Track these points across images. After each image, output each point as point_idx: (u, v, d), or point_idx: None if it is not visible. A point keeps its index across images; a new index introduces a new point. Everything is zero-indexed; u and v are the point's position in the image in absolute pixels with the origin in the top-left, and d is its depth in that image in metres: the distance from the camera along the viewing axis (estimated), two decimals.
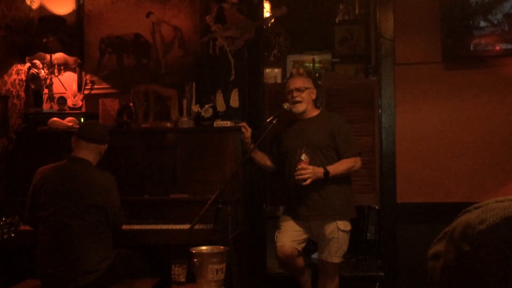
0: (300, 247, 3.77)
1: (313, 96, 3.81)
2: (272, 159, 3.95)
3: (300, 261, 3.82)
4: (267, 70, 8.11)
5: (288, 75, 7.53)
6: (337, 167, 3.62)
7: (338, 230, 3.63)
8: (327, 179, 3.57)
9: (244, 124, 3.89)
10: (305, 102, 3.75)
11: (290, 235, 3.74)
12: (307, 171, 3.49)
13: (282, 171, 3.84)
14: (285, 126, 3.90)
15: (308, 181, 3.50)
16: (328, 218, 3.64)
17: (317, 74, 6.14)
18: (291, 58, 8.45)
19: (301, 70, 3.87)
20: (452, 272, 0.64)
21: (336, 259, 3.67)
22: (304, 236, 3.76)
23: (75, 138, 3.32)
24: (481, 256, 0.61)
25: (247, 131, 3.85)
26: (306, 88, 3.75)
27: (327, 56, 7.84)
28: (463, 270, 0.62)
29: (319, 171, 3.54)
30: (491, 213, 0.64)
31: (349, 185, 3.79)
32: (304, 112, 3.78)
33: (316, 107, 4.01)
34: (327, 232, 3.64)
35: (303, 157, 3.52)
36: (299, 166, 3.50)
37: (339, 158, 3.69)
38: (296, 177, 3.51)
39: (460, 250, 0.63)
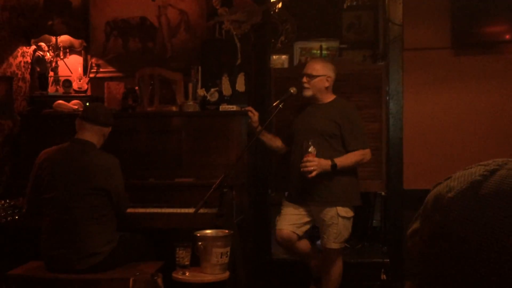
0: (300, 231, 3.73)
1: (327, 84, 3.70)
2: (284, 140, 3.92)
3: (302, 245, 3.79)
4: (274, 57, 8.05)
5: (295, 62, 7.53)
6: (345, 160, 3.57)
7: (338, 216, 3.60)
8: (335, 171, 3.53)
9: (250, 108, 3.87)
10: (312, 89, 3.69)
11: (289, 219, 3.72)
12: (313, 163, 3.46)
13: (289, 154, 3.81)
14: (298, 109, 3.86)
15: (313, 174, 3.46)
16: (328, 204, 3.61)
17: None
18: (298, 45, 8.37)
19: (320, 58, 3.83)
20: (427, 247, 0.62)
21: (335, 245, 3.64)
22: (305, 219, 3.72)
23: (79, 120, 3.30)
24: (451, 224, 0.59)
25: (254, 115, 3.82)
26: (317, 76, 3.67)
27: (335, 43, 7.76)
28: (436, 242, 0.61)
29: (326, 163, 3.49)
30: (458, 180, 0.63)
31: (354, 172, 3.75)
32: (314, 97, 3.73)
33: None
34: (327, 218, 3.62)
35: (311, 149, 3.47)
36: (305, 158, 3.47)
37: (344, 149, 3.64)
38: (301, 169, 3.48)
39: (432, 222, 0.62)
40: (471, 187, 0.60)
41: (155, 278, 1.29)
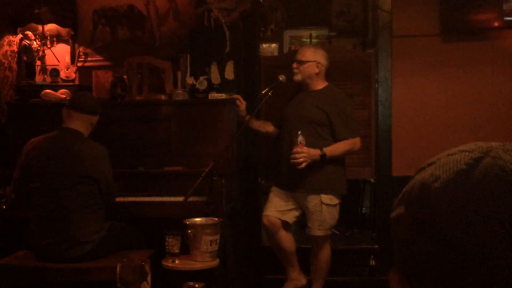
0: (285, 217, 3.71)
1: (316, 70, 3.67)
2: (275, 124, 3.91)
3: (285, 238, 3.74)
4: (264, 45, 8.02)
5: (285, 51, 7.51)
6: (335, 149, 3.55)
7: (322, 203, 3.60)
8: (324, 161, 3.52)
9: (238, 96, 3.86)
10: (301, 74, 3.68)
11: (274, 205, 3.72)
12: (302, 154, 3.45)
13: (277, 140, 3.82)
14: (290, 95, 3.85)
15: (303, 165, 3.46)
16: (312, 191, 3.61)
17: None
18: (288, 34, 8.34)
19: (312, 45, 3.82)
20: (414, 236, 0.61)
21: (320, 232, 3.64)
22: (290, 206, 3.72)
23: (66, 108, 3.28)
24: (438, 216, 0.58)
25: (242, 104, 3.81)
26: (306, 61, 3.66)
27: (324, 31, 7.75)
28: (424, 233, 0.60)
29: (315, 153, 3.48)
30: (444, 168, 0.61)
31: (341, 161, 3.72)
32: (305, 84, 3.72)
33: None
34: (311, 205, 3.63)
35: (300, 139, 3.47)
36: (294, 150, 3.47)
37: (333, 138, 3.62)
38: (291, 161, 3.48)
39: (419, 212, 0.61)
40: (457, 177, 0.59)
41: (142, 264, 1.30)
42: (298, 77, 3.69)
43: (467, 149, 0.62)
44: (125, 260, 1.36)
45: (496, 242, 0.55)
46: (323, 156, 3.50)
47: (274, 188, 3.81)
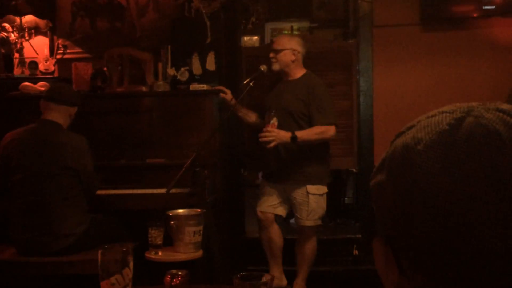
0: (277, 211, 3.74)
1: (293, 57, 3.68)
2: (259, 114, 3.89)
3: (276, 231, 3.77)
4: (245, 38, 8.01)
5: (266, 43, 7.49)
6: (307, 133, 3.53)
7: (308, 193, 3.62)
8: (295, 144, 3.50)
9: (221, 87, 3.83)
10: (279, 63, 3.68)
11: (266, 199, 3.75)
12: (271, 134, 3.44)
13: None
14: (270, 86, 3.84)
15: (272, 144, 3.44)
16: (298, 183, 3.63)
17: None
18: (269, 26, 8.34)
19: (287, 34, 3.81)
20: (397, 203, 0.60)
21: (309, 222, 3.66)
22: (279, 199, 3.73)
23: (44, 100, 3.23)
24: (423, 179, 0.57)
25: (227, 93, 3.78)
26: (282, 50, 3.67)
27: (305, 24, 7.76)
28: (408, 199, 0.58)
29: (285, 135, 3.45)
30: (425, 130, 0.60)
31: (325, 151, 3.74)
32: (284, 72, 3.72)
33: None
34: (298, 196, 3.64)
35: (273, 120, 3.47)
36: (265, 129, 3.46)
37: (311, 126, 3.60)
38: (260, 139, 3.46)
39: (403, 177, 0.59)
40: (440, 138, 0.58)
41: (124, 249, 1.28)
42: (276, 66, 3.69)
43: (447, 110, 0.61)
44: (106, 246, 1.34)
45: (484, 202, 0.54)
46: (293, 138, 3.45)
47: (263, 182, 3.81)
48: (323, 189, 3.68)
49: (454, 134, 0.57)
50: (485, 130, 0.56)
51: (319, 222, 3.74)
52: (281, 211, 3.77)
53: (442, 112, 0.61)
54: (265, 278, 1.18)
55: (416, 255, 0.58)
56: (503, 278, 0.54)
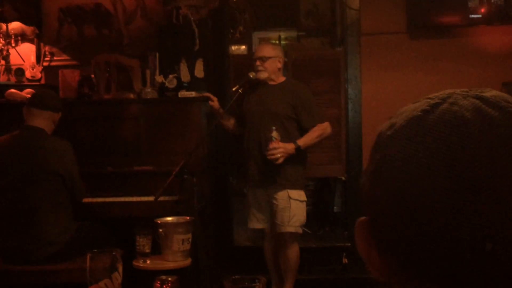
0: (270, 224, 3.73)
1: (279, 65, 3.72)
2: (236, 122, 3.87)
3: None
4: (233, 47, 8.01)
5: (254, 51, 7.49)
6: (307, 139, 3.56)
7: (290, 198, 3.60)
8: (300, 152, 3.54)
9: (208, 94, 3.81)
10: (267, 71, 3.69)
11: (255, 213, 3.72)
12: (279, 150, 3.45)
13: (243, 137, 3.76)
14: (250, 90, 3.81)
15: (280, 160, 3.46)
16: (280, 186, 3.60)
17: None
18: (257, 35, 8.36)
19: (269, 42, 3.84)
20: (370, 185, 0.59)
21: (290, 228, 3.62)
22: (268, 210, 3.70)
23: (26, 107, 3.19)
24: (388, 163, 0.56)
25: (214, 101, 3.76)
26: (269, 58, 3.68)
27: (293, 33, 7.79)
28: (377, 181, 0.58)
29: (290, 147, 3.48)
30: (401, 116, 0.59)
31: (305, 155, 3.73)
32: (268, 79, 3.72)
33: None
34: (279, 202, 3.61)
35: (274, 134, 3.47)
36: (271, 146, 3.46)
37: (301, 129, 3.62)
38: (268, 157, 3.47)
39: (373, 161, 0.59)
40: (410, 123, 0.57)
41: (113, 253, 1.26)
42: (264, 75, 3.69)
43: (431, 96, 0.60)
44: (95, 250, 1.31)
45: (439, 191, 0.52)
46: (297, 148, 3.50)
47: (249, 191, 3.78)
48: (303, 195, 3.68)
49: (424, 120, 0.56)
50: (453, 117, 0.54)
51: (300, 231, 3.70)
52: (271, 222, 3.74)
53: (426, 98, 0.60)
54: (258, 281, 1.16)
55: (386, 239, 0.57)
56: (459, 265, 0.52)
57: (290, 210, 3.59)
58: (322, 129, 3.61)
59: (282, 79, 3.79)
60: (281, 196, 3.61)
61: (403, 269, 0.57)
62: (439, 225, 0.52)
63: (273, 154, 3.45)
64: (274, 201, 3.63)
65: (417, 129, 0.55)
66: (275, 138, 3.46)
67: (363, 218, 0.63)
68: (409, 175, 0.54)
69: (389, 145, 0.57)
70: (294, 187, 3.62)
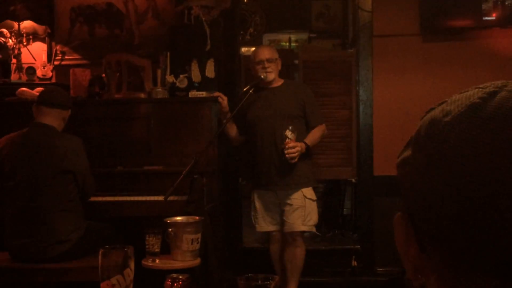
0: (280, 226, 3.71)
1: (279, 67, 3.78)
2: (239, 130, 3.83)
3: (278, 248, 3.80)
4: (244, 49, 8.01)
5: None
6: (313, 138, 3.62)
7: (305, 197, 3.62)
8: (308, 151, 3.57)
9: (219, 94, 3.80)
10: (274, 72, 3.71)
11: (264, 216, 3.71)
12: (297, 148, 3.47)
13: (252, 141, 3.73)
14: (250, 96, 3.77)
15: (296, 159, 3.48)
16: (294, 186, 3.61)
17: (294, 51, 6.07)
18: (267, 37, 8.36)
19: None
20: (420, 176, 0.59)
21: (305, 227, 3.64)
22: (277, 212, 3.69)
23: (36, 105, 3.17)
24: (448, 151, 0.56)
25: (224, 100, 3.75)
26: (276, 58, 3.72)
27: (303, 35, 7.78)
28: (431, 171, 0.57)
29: (304, 147, 3.53)
30: (455, 104, 0.59)
31: (312, 154, 3.78)
32: (271, 81, 3.72)
33: (290, 78, 3.97)
34: (294, 201, 3.61)
35: (290, 134, 3.47)
36: (289, 145, 3.45)
37: (307, 127, 3.66)
38: (287, 156, 3.46)
39: (427, 149, 0.58)
40: (469, 110, 0.57)
41: (125, 249, 1.24)
42: (272, 76, 3.70)
43: (481, 86, 0.60)
44: (107, 246, 1.30)
45: (508, 177, 0.52)
46: (307, 148, 3.54)
47: (253, 194, 3.76)
48: (315, 195, 3.71)
49: (484, 107, 0.56)
50: None
51: (314, 230, 3.74)
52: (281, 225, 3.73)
53: (476, 88, 0.60)
54: (272, 279, 1.14)
55: (438, 231, 0.57)
56: None
57: (305, 209, 3.60)
58: (323, 129, 3.70)
59: (281, 80, 3.81)
60: (296, 196, 3.62)
61: (454, 262, 0.56)
62: (506, 210, 0.52)
63: (292, 153, 3.45)
64: (288, 202, 3.61)
65: (478, 115, 0.56)
66: (291, 138, 3.46)
67: (403, 211, 0.63)
68: (474, 161, 0.54)
69: (449, 131, 0.57)
70: (308, 184, 3.64)
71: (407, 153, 0.62)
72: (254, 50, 3.91)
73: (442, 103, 0.62)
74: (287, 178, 3.59)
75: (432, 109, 0.63)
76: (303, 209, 3.60)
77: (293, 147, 3.46)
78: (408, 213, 0.61)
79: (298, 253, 3.68)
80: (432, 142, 0.58)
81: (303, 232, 3.69)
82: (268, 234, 3.82)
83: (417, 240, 0.60)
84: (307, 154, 3.63)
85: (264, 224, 3.72)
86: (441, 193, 0.56)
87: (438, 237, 0.57)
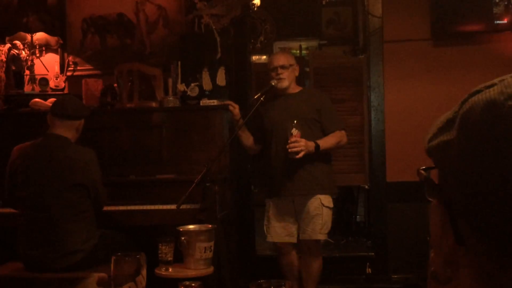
0: (293, 238, 3.67)
1: (296, 73, 3.73)
2: (255, 139, 3.81)
3: (295, 254, 3.75)
4: (254, 57, 8.03)
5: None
6: (327, 141, 3.55)
7: (322, 205, 3.57)
8: (317, 153, 3.50)
9: (230, 102, 3.79)
10: (288, 79, 3.68)
11: (277, 226, 3.66)
12: (300, 143, 3.41)
13: (267, 147, 3.72)
14: (267, 103, 3.77)
15: (301, 154, 3.40)
16: (312, 193, 3.56)
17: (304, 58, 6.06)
18: (277, 45, 8.37)
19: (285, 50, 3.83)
20: (468, 162, 0.55)
21: (321, 236, 3.60)
22: (291, 220, 3.65)
23: (49, 115, 3.18)
24: (510, 135, 0.52)
25: (235, 108, 3.74)
26: (290, 65, 3.68)
27: (314, 43, 7.78)
28: (487, 157, 0.53)
29: (311, 144, 3.46)
30: None
31: (331, 161, 3.73)
32: (287, 88, 3.70)
33: (301, 85, 3.95)
34: (311, 209, 3.57)
35: (294, 131, 3.44)
36: (292, 139, 3.42)
37: (323, 132, 3.63)
38: (289, 150, 3.42)
39: (483, 134, 0.54)
40: None
41: (137, 256, 1.24)
42: (285, 83, 3.67)
43: None
44: (118, 254, 1.30)
45: None
46: (317, 147, 3.47)
47: (269, 202, 3.73)
48: (332, 202, 3.66)
49: None
50: None
51: (327, 237, 3.69)
52: (294, 237, 3.68)
53: None
54: (284, 285, 1.14)
55: (482, 221, 0.53)
56: None
57: (322, 217, 3.56)
58: (340, 136, 3.62)
59: (298, 87, 3.78)
60: (313, 203, 3.57)
61: (503, 256, 0.53)
62: None
63: (295, 147, 3.40)
64: (304, 208, 3.59)
65: None
66: (295, 134, 3.43)
67: (439, 198, 0.59)
68: None
69: None
70: (324, 192, 3.59)
71: (448, 136, 0.59)
72: (270, 57, 3.92)
73: (492, 85, 0.57)
74: (303, 185, 3.57)
75: (478, 91, 0.59)
76: (320, 217, 3.55)
77: (297, 142, 3.40)
78: (445, 202, 0.57)
79: (315, 264, 3.65)
80: (491, 126, 0.54)
81: (319, 240, 3.65)
82: (277, 245, 3.77)
83: (454, 232, 0.56)
84: (325, 159, 3.59)
85: (275, 234, 3.69)
86: (497, 180, 0.52)
87: (485, 228, 0.53)
